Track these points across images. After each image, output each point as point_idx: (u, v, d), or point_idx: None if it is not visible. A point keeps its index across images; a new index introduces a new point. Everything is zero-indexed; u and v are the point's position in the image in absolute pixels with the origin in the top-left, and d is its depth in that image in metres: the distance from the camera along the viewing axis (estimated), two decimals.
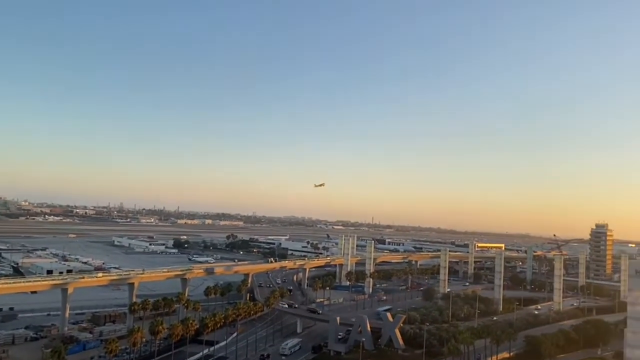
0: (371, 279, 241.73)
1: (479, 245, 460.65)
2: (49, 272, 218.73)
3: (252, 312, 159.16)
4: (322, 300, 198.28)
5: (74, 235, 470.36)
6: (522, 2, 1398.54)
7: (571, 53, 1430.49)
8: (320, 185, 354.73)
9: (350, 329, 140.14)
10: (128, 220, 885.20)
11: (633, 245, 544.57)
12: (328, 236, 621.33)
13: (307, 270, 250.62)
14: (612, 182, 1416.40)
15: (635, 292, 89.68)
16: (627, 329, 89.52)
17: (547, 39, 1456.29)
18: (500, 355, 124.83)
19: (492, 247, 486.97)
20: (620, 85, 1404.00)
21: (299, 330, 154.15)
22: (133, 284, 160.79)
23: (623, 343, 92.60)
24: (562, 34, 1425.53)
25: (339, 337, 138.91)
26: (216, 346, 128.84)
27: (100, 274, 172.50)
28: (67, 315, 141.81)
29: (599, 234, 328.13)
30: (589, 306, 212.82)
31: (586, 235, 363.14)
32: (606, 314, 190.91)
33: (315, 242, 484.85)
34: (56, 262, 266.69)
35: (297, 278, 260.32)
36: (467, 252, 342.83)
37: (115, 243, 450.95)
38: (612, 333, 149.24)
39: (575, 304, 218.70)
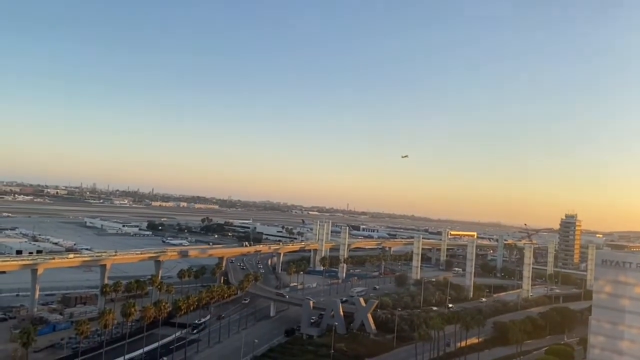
0: (345, 265, 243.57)
1: (452, 233, 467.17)
2: (19, 252, 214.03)
3: (226, 295, 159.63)
4: (295, 284, 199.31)
5: (7, 214, 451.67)
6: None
7: (543, 50, 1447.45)
8: (405, 156, 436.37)
9: (323, 313, 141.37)
10: (101, 201, 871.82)
11: (600, 235, 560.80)
12: (303, 221, 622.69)
13: (282, 254, 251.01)
14: (582, 175, 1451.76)
15: (600, 281, 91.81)
16: (592, 317, 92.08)
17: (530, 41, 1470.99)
18: (469, 341, 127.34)
19: (464, 235, 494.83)
20: (591, 82, 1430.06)
21: (272, 313, 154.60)
22: (105, 265, 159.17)
23: (588, 330, 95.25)
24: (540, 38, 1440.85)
25: (312, 320, 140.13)
26: (188, 328, 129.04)
27: (71, 255, 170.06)
28: (36, 296, 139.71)
29: (568, 224, 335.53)
30: (556, 294, 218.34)
31: (556, 225, 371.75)
32: (573, 302, 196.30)
33: (290, 227, 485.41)
34: (26, 242, 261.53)
35: (271, 262, 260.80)
36: (440, 240, 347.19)
37: (88, 224, 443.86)
38: (578, 320, 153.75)
39: (541, 292, 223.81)
